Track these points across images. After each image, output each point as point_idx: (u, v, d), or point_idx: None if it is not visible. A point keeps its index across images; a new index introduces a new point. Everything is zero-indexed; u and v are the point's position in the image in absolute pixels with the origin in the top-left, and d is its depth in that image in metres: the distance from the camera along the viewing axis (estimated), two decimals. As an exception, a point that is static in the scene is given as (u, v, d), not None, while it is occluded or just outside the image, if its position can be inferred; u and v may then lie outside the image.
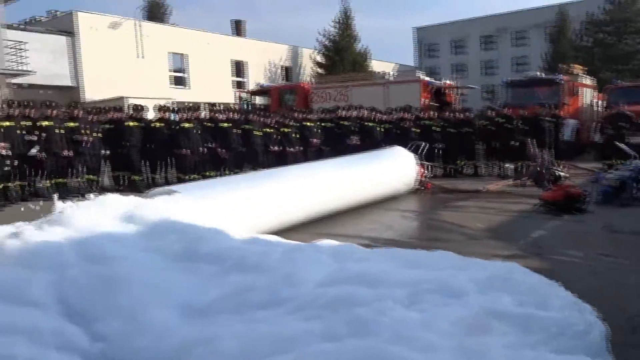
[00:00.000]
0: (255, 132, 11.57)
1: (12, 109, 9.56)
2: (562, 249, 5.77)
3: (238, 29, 39.15)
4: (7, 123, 9.30)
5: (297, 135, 12.25)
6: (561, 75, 16.92)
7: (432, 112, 13.37)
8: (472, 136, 12.92)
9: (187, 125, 11.17)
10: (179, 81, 32.72)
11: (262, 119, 12.03)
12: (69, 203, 4.64)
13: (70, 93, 26.52)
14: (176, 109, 12.33)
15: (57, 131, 9.83)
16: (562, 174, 10.92)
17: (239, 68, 36.19)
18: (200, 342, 2.82)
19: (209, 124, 11.75)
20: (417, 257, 4.17)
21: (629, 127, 12.66)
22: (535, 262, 4.96)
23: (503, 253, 5.43)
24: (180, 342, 2.89)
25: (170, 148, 11.25)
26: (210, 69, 33.01)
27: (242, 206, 5.91)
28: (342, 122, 12.88)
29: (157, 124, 11.37)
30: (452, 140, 12.90)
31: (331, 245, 4.45)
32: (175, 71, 32.41)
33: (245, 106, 19.63)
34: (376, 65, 38.87)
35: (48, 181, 9.90)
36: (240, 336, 2.87)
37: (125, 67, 28.68)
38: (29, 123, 9.75)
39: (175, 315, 3.25)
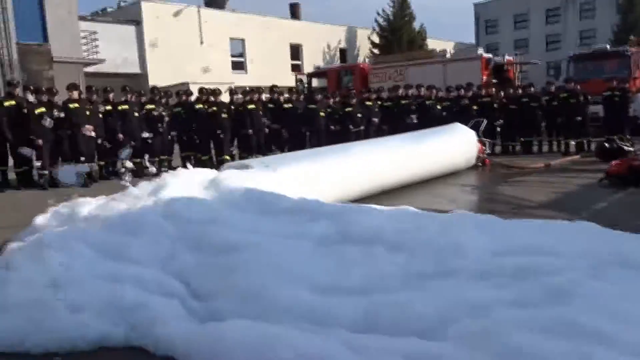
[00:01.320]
0: (320, 113, 11.94)
1: (92, 94, 10.37)
2: (627, 219, 5.80)
3: (294, 12, 39.51)
4: (90, 106, 10.10)
5: (359, 115, 12.51)
6: (630, 47, 16.24)
7: (492, 89, 13.24)
8: (536, 111, 12.73)
9: (250, 106, 11.65)
10: (238, 66, 33.57)
11: (325, 100, 12.38)
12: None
13: (137, 79, 27.87)
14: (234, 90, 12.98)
15: (135, 114, 10.57)
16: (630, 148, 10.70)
17: (295, 51, 36.66)
18: (387, 305, 2.74)
19: (272, 105, 12.24)
20: (565, 229, 3.90)
21: None
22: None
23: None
24: (363, 306, 2.76)
25: (234, 129, 11.81)
26: (267, 52, 33.69)
27: (315, 178, 6.31)
28: (401, 101, 13.04)
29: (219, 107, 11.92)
30: (512, 117, 12.80)
31: (473, 216, 4.30)
32: (234, 56, 33.25)
33: (302, 88, 20.00)
34: (433, 44, 38.32)
35: (127, 162, 10.67)
36: (427, 302, 2.75)
37: (187, 54, 29.79)
38: (109, 107, 10.54)
39: (313, 294, 3.02)
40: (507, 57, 17.73)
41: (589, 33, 43.66)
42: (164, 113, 10.96)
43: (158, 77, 27.79)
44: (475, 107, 12.76)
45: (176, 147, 12.19)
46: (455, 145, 9.64)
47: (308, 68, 36.31)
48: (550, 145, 13.30)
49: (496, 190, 8.18)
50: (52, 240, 4.28)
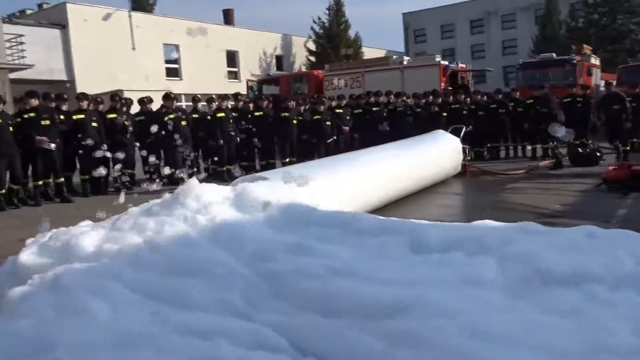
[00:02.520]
0: (293, 121, 11.32)
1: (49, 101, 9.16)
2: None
3: (228, 18, 38.51)
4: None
5: (328, 123, 12.00)
6: (575, 56, 16.94)
7: (460, 96, 13.20)
8: (503, 118, 12.82)
9: (220, 115, 10.85)
10: (172, 72, 32.15)
11: (296, 107, 11.78)
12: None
13: (64, 87, 25.85)
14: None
15: (93, 124, 9.44)
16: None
17: (231, 58, 35.69)
18: None
19: (234, 114, 11.49)
20: None
21: (622, 109, 11.53)
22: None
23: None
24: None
25: (203, 139, 10.95)
26: (203, 59, 32.51)
27: (334, 190, 5.73)
28: (373, 109, 12.69)
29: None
30: (480, 123, 12.79)
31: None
32: (168, 62, 31.81)
33: (253, 95, 19.25)
34: (367, 52, 38.83)
35: (85, 176, 9.54)
36: None
37: (118, 60, 28.05)
38: (61, 117, 9.36)
39: None
40: (460, 65, 17.95)
41: (511, 43, 46.03)
42: (127, 122, 9.90)
43: (87, 85, 25.93)
44: (445, 114, 12.65)
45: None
46: (446, 152, 9.37)
47: (244, 75, 35.52)
48: (515, 150, 13.47)
49: (502, 199, 7.93)
50: (79, 283, 3.41)
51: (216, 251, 3.53)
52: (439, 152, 9.17)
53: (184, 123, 10.07)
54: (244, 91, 23.83)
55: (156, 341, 2.75)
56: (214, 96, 11.94)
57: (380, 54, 41.75)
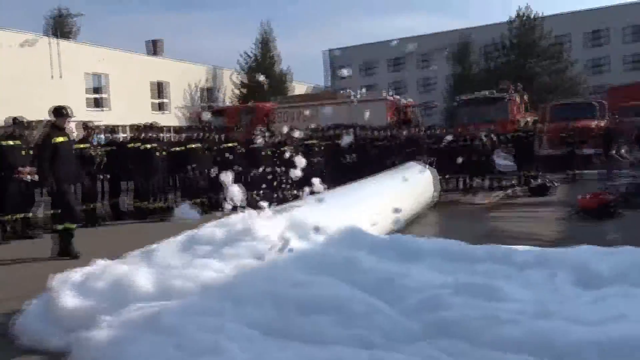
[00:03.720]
0: (262, 153, 11.21)
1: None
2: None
3: (155, 48, 37.55)
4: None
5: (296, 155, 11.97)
6: (512, 93, 18.21)
7: (420, 129, 13.75)
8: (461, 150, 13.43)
9: (194, 145, 10.53)
10: (96, 102, 30.72)
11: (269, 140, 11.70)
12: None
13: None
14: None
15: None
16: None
17: (158, 89, 34.72)
18: None
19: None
20: None
21: None
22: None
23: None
24: None
25: (173, 171, 10.54)
26: (129, 89, 31.34)
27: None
28: (338, 141, 12.86)
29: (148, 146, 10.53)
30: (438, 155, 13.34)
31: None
32: (93, 92, 30.37)
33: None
34: (297, 87, 39.48)
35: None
36: None
37: (38, 87, 26.31)
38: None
39: None
40: (405, 100, 18.70)
41: (429, 81, 48.87)
42: (95, 153, 9.31)
43: (1, 113, 24.06)
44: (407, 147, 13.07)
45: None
46: (424, 183, 9.69)
47: (172, 107, 34.67)
48: (464, 181, 14.07)
49: (494, 227, 8.21)
50: (188, 323, 3.14)
51: (342, 288, 3.42)
52: (419, 183, 9.46)
53: (158, 154, 9.64)
54: (172, 123, 23.32)
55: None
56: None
57: (309, 89, 42.72)
